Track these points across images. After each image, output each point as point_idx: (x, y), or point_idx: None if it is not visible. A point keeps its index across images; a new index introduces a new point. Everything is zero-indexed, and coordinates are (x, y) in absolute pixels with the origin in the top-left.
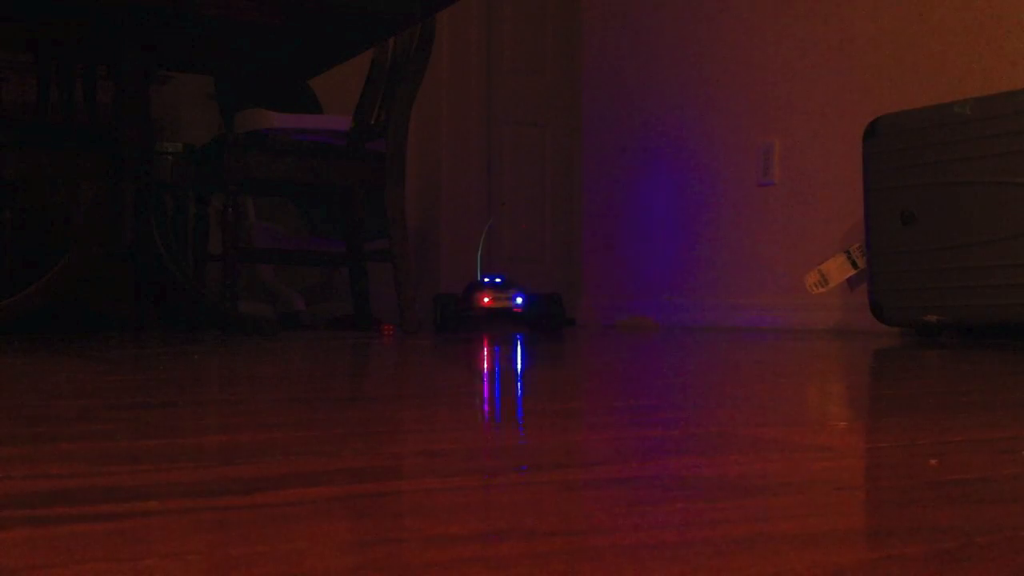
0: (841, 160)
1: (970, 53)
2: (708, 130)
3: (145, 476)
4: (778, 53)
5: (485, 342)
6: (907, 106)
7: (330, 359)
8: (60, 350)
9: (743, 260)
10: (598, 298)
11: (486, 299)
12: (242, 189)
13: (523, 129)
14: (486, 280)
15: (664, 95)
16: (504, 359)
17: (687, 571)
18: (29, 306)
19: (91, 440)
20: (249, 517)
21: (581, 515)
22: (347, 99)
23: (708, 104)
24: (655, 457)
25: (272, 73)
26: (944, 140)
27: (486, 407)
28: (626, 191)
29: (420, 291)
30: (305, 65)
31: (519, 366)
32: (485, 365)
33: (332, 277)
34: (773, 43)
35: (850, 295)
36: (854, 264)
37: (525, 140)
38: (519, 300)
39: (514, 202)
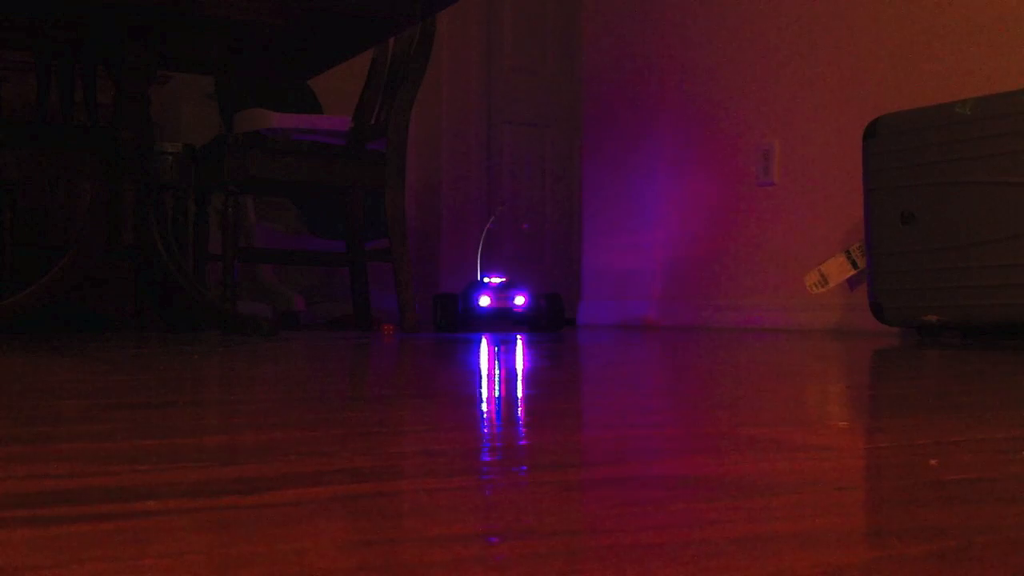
0: (841, 160)
1: (970, 53)
2: (708, 130)
3: (145, 476)
4: (778, 53)
5: (485, 342)
6: (907, 106)
7: (330, 359)
8: (60, 350)
9: (743, 260)
10: (598, 298)
11: (486, 299)
12: (242, 189)
13: (523, 129)
14: (486, 280)
15: (664, 95)
16: (504, 359)
17: (687, 571)
18: (29, 306)
19: (91, 440)
20: (249, 517)
21: (581, 515)
22: (347, 99)
23: (708, 104)
24: (655, 457)
25: (272, 73)
26: (944, 140)
27: (486, 407)
28: (626, 191)
29: (420, 291)
30: (305, 65)
31: (519, 366)
32: (485, 365)
33: (332, 277)
34: (773, 43)
35: (850, 295)
36: (854, 264)
37: (525, 140)
38: (519, 300)
39: (514, 202)
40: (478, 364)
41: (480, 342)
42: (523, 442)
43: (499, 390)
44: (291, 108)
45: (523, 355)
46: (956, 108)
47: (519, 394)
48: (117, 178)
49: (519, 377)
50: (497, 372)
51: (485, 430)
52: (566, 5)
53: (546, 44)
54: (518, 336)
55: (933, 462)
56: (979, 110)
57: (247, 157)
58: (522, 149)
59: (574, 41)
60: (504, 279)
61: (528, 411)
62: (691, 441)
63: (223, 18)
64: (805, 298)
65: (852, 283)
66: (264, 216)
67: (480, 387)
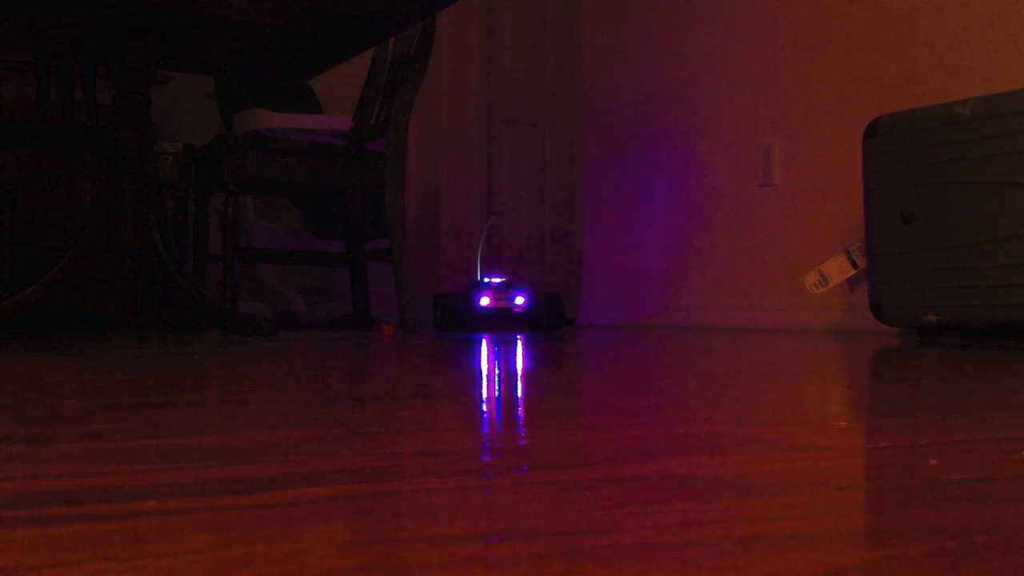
0: (841, 160)
1: (970, 53)
2: (708, 130)
3: (145, 476)
4: (778, 53)
5: (485, 342)
6: (907, 106)
7: (330, 359)
8: (60, 350)
9: (743, 260)
10: (598, 298)
11: (486, 299)
12: (242, 189)
13: (523, 129)
14: (486, 280)
15: (664, 95)
16: (504, 359)
17: (687, 571)
18: (29, 306)
19: (91, 440)
20: (249, 517)
21: (581, 515)
22: (347, 99)
23: (708, 104)
24: (655, 457)
25: (272, 73)
26: (944, 140)
27: (486, 407)
28: (626, 191)
29: (420, 291)
30: (305, 65)
31: (519, 366)
32: (485, 365)
33: (332, 277)
34: (773, 44)
35: (850, 295)
36: (854, 264)
37: (525, 140)
38: (519, 300)
39: (514, 202)
40: (478, 364)
41: (480, 342)
42: (523, 442)
43: (499, 390)
44: (291, 108)
45: (523, 355)
46: (956, 108)
47: (519, 394)
48: (117, 178)
49: (519, 377)
50: (497, 372)
51: (485, 430)
52: (566, 5)
53: (546, 44)
54: (518, 336)
55: (933, 462)
56: (979, 110)
57: (247, 157)
58: (522, 149)
59: (574, 41)
60: (504, 279)
61: (528, 411)
62: (691, 441)
63: (223, 18)
64: (805, 298)
65: (852, 283)
66: (264, 216)
67: (480, 387)
